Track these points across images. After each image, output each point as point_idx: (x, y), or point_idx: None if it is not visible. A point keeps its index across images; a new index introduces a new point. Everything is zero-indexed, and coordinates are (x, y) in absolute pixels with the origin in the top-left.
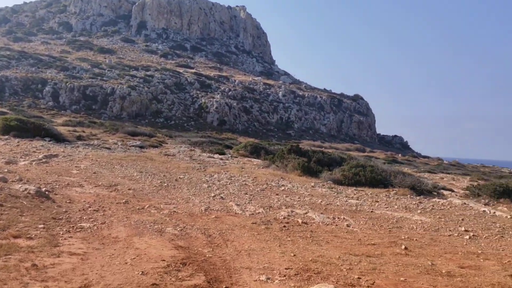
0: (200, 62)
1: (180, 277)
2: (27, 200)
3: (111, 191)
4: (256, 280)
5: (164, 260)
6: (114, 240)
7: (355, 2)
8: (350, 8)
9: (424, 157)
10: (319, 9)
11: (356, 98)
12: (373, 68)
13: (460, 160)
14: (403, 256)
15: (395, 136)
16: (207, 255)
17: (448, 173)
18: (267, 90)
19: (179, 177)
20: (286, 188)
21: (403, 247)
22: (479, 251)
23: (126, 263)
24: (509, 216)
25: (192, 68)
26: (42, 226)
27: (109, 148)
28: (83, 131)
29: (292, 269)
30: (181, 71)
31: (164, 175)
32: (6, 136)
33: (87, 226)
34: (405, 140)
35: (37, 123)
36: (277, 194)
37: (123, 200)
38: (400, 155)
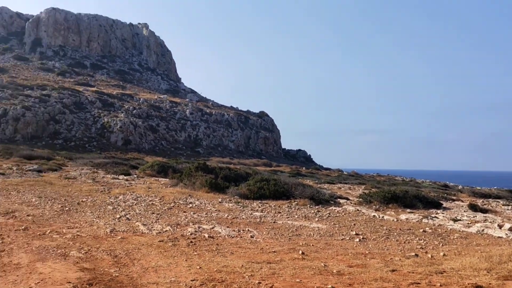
0: (102, 80)
1: None
2: None
3: (8, 218)
4: None
5: (69, 283)
6: (15, 266)
7: (265, 10)
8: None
9: (326, 169)
10: (228, 19)
11: (262, 115)
12: (278, 81)
13: (359, 170)
14: (300, 260)
15: (299, 150)
16: (113, 275)
17: (346, 183)
18: (174, 108)
19: (82, 200)
20: (194, 205)
21: (300, 252)
22: (367, 252)
23: (31, 287)
24: (395, 219)
25: (93, 86)
26: None
27: (3, 174)
28: None
29: (197, 280)
30: (80, 89)
31: (65, 199)
32: None
33: None
34: (308, 154)
35: None
36: (184, 212)
37: (22, 227)
38: (304, 168)
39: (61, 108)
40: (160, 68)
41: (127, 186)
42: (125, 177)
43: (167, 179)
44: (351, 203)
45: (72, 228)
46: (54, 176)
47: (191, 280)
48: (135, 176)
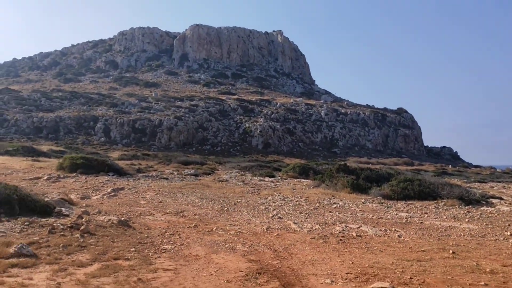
0: (242, 88)
1: (259, 283)
2: (113, 229)
3: (179, 218)
4: (322, 283)
5: (242, 271)
6: (195, 257)
7: (396, 13)
8: (392, 20)
9: (476, 166)
10: (356, 26)
11: (400, 112)
12: (417, 79)
13: None
14: (451, 259)
15: (444, 147)
16: (276, 266)
17: (500, 182)
18: (309, 110)
19: (237, 201)
20: (338, 205)
21: (450, 251)
22: None
23: (211, 274)
24: None
25: (234, 94)
26: (133, 249)
27: (167, 178)
28: (140, 164)
29: (351, 273)
30: (223, 98)
31: (223, 200)
32: (74, 174)
33: (169, 247)
34: (454, 151)
35: (100, 159)
36: (330, 212)
37: (193, 225)
38: (450, 166)
39: (208, 117)
40: (295, 72)
41: (273, 187)
42: (270, 179)
43: (309, 180)
44: (506, 203)
45: (234, 225)
46: (209, 179)
47: (346, 273)
48: (279, 177)
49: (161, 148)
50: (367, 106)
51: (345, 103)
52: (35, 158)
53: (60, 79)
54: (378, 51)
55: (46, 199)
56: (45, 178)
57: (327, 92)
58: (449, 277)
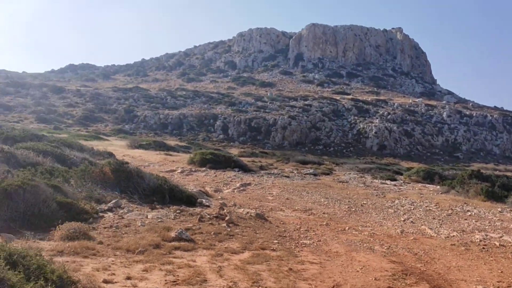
0: (357, 87)
1: (408, 283)
2: (252, 221)
3: (308, 215)
4: None
5: (387, 271)
6: (336, 254)
7: None
8: None
9: None
10: (485, 24)
11: None
12: None
13: None
14: None
15: None
16: (421, 269)
17: None
18: (430, 111)
19: (363, 203)
20: (473, 213)
21: None
22: None
23: (357, 271)
24: None
25: (349, 94)
26: (276, 241)
27: (287, 177)
28: (260, 161)
29: (503, 282)
30: (337, 98)
31: (348, 201)
32: (204, 168)
33: (308, 243)
34: None
35: (227, 156)
36: (465, 219)
37: (324, 223)
38: None
39: (321, 116)
40: (414, 71)
41: (398, 191)
42: (393, 183)
43: (434, 185)
44: None
45: (365, 226)
46: (329, 179)
47: (497, 281)
48: (401, 181)
49: (275, 146)
50: (495, 108)
51: (470, 104)
52: (167, 152)
53: (184, 78)
54: (508, 51)
55: (189, 190)
56: (179, 171)
57: (449, 93)
58: None
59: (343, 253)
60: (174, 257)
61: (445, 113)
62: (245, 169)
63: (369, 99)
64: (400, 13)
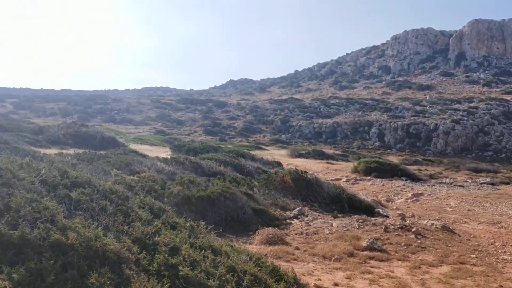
0: None
1: None
2: (439, 233)
3: (498, 228)
4: None
5: None
6: None
7: None
8: None
9: None
10: None
11: None
12: None
13: None
14: None
15: None
16: None
17: None
18: None
19: None
20: None
21: None
22: None
23: None
24: None
25: None
26: (474, 255)
27: (462, 186)
28: (426, 169)
29: None
30: (508, 98)
31: None
32: (369, 177)
33: (510, 258)
34: None
35: (392, 164)
36: None
37: None
38: None
39: (490, 119)
40: None
41: None
42: None
43: None
44: None
45: None
46: (511, 189)
47: None
48: None
49: (436, 153)
50: None
51: None
52: (327, 160)
53: (336, 87)
54: None
55: (366, 200)
56: (344, 179)
57: None
58: None
59: None
60: (371, 267)
61: None
62: (413, 178)
63: None
64: None
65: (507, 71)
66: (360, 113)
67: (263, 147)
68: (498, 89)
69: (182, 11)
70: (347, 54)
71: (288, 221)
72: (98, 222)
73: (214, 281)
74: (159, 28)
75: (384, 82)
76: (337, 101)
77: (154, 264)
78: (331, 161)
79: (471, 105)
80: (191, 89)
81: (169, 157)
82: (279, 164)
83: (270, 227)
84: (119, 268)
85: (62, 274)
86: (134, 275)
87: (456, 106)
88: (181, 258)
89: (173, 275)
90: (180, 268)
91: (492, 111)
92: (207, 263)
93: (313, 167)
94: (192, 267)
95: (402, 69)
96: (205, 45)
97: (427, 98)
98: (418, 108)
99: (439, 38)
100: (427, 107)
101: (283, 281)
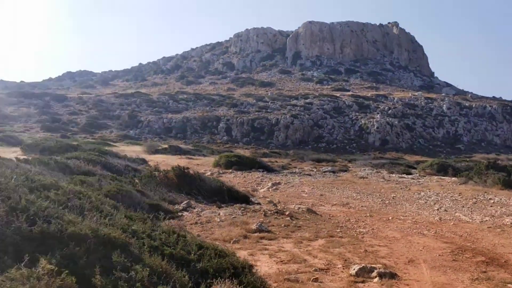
0: (356, 83)
1: (467, 257)
2: (307, 215)
3: (348, 208)
4: None
5: (445, 249)
6: (394, 238)
7: None
8: None
9: None
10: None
11: None
12: None
13: None
14: None
15: None
16: (471, 247)
17: None
18: (429, 104)
19: (393, 196)
20: (495, 200)
21: None
22: None
23: (421, 250)
24: None
25: (348, 90)
26: (338, 230)
27: (309, 175)
28: (276, 161)
29: None
30: (338, 95)
31: (378, 195)
32: (230, 170)
33: (364, 231)
34: None
35: (250, 158)
36: (491, 206)
37: (367, 215)
38: None
39: (323, 114)
40: (412, 65)
41: (419, 184)
42: (409, 176)
43: (448, 177)
44: None
45: (406, 216)
46: (349, 176)
47: None
48: (417, 175)
49: (278, 146)
50: (494, 98)
51: (469, 95)
52: (187, 156)
53: (183, 81)
54: (505, 39)
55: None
56: (208, 173)
57: (448, 85)
58: None
59: (400, 238)
60: (265, 245)
61: (444, 105)
62: (269, 169)
63: (369, 95)
64: (395, 6)
65: (336, 70)
66: (208, 108)
67: (111, 143)
68: (329, 86)
69: None
70: (192, 49)
71: (179, 213)
72: (85, 217)
73: (193, 255)
74: None
75: (229, 78)
76: (185, 96)
77: (145, 247)
78: (191, 156)
79: (307, 101)
80: (21, 81)
81: (22, 157)
82: (144, 161)
83: (170, 220)
84: (128, 250)
85: (89, 257)
86: (141, 254)
87: (294, 102)
88: (159, 242)
89: (159, 255)
90: (164, 248)
91: (324, 106)
92: (179, 245)
93: (175, 162)
94: (173, 248)
95: (245, 66)
96: (40, 29)
97: (269, 94)
98: (261, 103)
99: (277, 38)
100: (269, 103)
101: (227, 255)
